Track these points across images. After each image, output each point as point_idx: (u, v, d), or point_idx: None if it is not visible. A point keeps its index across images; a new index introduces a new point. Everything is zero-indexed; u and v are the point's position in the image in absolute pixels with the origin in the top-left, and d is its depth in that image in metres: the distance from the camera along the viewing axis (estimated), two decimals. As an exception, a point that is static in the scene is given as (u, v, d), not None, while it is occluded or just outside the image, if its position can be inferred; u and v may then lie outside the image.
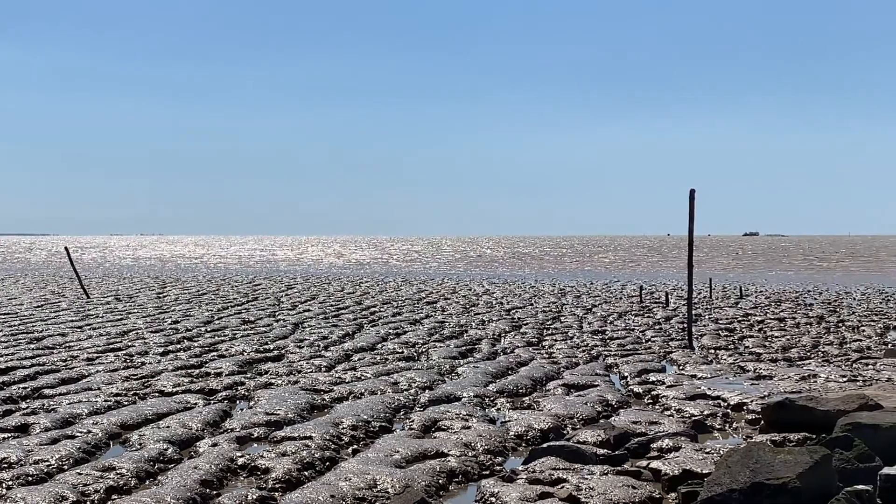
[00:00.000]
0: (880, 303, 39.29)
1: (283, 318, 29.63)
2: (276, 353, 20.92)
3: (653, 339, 24.71)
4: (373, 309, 34.03)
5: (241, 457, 11.08)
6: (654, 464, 10.55)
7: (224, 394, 15.58)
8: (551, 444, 11.47)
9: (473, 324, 28.43)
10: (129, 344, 22.34)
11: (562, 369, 18.89)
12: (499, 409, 14.69)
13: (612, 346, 22.85)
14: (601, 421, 13.53)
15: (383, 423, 13.37)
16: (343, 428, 12.80)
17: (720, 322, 29.69)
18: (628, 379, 17.82)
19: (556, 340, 24.20)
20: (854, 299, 41.68)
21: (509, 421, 13.55)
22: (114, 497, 9.67)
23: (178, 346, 22.16)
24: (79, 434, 12.31)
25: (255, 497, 9.51)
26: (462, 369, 18.51)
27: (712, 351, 22.10)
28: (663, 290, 46.16)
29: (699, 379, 17.33)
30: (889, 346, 22.98)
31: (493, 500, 9.40)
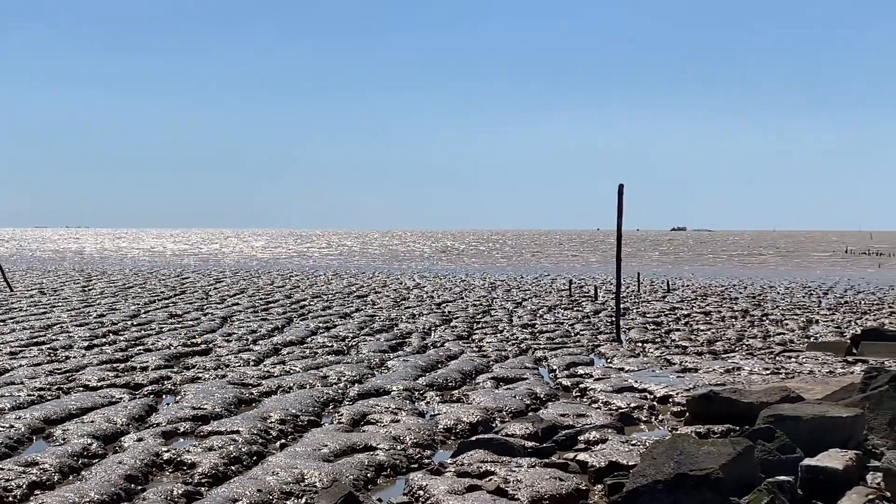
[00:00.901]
0: (803, 297, 40.00)
1: (212, 312, 29.36)
2: (203, 346, 20.72)
3: (581, 332, 24.91)
4: (302, 303, 33.86)
5: (166, 451, 10.95)
6: (581, 456, 10.64)
7: (150, 388, 15.40)
8: (480, 437, 11.51)
9: (404, 317, 28.42)
10: (54, 338, 21.97)
11: (491, 363, 18.96)
12: (428, 403, 14.71)
13: (541, 340, 22.99)
14: (530, 414, 13.61)
15: (312, 417, 13.31)
16: (271, 422, 12.72)
17: (648, 315, 30.02)
18: (557, 372, 17.93)
19: (486, 334, 24.28)
20: (778, 293, 42.39)
21: (438, 414, 13.57)
22: (36, 492, 9.50)
23: (104, 339, 21.85)
24: (1, 429, 12.08)
25: (180, 492, 9.41)
26: (392, 363, 18.50)
27: (639, 344, 22.34)
28: (592, 284, 46.55)
29: (626, 372, 17.51)
30: (811, 339, 23.42)
31: (421, 493, 9.40)
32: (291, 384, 15.73)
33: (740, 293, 42.28)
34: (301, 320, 27.08)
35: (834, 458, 8.57)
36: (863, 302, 37.31)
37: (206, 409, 13.52)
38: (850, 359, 18.73)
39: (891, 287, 48.12)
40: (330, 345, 21.32)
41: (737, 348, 21.51)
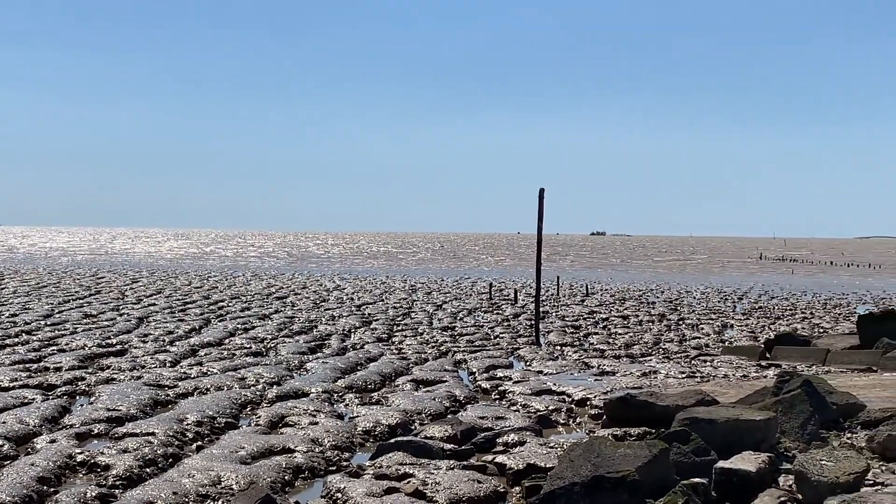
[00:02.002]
0: (719, 302, 40.66)
1: (128, 313, 28.92)
2: (119, 347, 20.40)
3: (501, 335, 25.02)
4: (221, 304, 33.52)
5: (80, 453, 10.75)
6: (500, 458, 10.67)
7: (64, 389, 15.10)
8: (399, 439, 11.48)
9: (323, 319, 28.29)
10: (-37, 337, 21.44)
11: (411, 365, 18.95)
12: (347, 405, 14.64)
13: (461, 343, 23.04)
14: (449, 416, 13.62)
15: (229, 419, 13.17)
16: (187, 424, 12.56)
17: (567, 319, 30.26)
18: (476, 374, 17.98)
19: (406, 336, 24.27)
20: (694, 298, 43.03)
21: (357, 416, 13.51)
22: (-57, 496, 9.26)
23: (16, 339, 21.39)
24: None
25: (94, 494, 9.24)
26: (311, 365, 18.39)
27: (558, 347, 22.51)
28: (512, 287, 46.78)
29: (545, 375, 17.61)
30: (726, 343, 23.81)
31: (339, 495, 9.35)
32: (208, 386, 15.55)
33: (658, 297, 42.82)
34: (219, 321, 26.81)
35: (747, 461, 8.70)
36: (776, 307, 38.05)
37: (120, 410, 13.30)
38: (763, 363, 19.06)
39: (803, 293, 49.15)
40: (248, 346, 21.13)
41: (654, 352, 21.78)
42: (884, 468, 9.09)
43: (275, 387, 15.79)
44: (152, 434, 11.73)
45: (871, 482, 8.48)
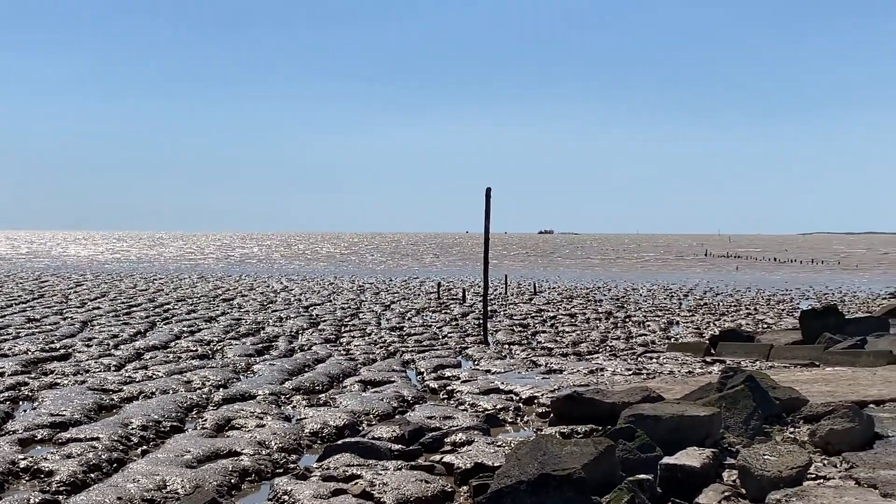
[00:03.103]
0: (665, 299, 41.01)
1: (71, 316, 28.56)
2: (62, 351, 20.15)
3: (449, 334, 25.04)
4: (166, 306, 33.22)
5: (23, 459, 10.60)
6: (448, 458, 10.67)
7: (6, 395, 14.86)
8: (346, 440, 11.45)
9: (271, 321, 28.14)
10: None
11: (359, 366, 18.90)
12: (295, 407, 14.57)
13: (409, 343, 23.03)
14: (397, 416, 13.60)
15: (175, 423, 13.06)
16: (132, 428, 12.43)
17: (515, 318, 30.35)
18: (425, 374, 17.98)
19: (354, 337, 24.21)
20: (641, 295, 43.36)
21: (305, 418, 13.45)
22: None
23: (-43, 345, 21.05)
24: None
25: (37, 500, 9.12)
26: (258, 367, 18.28)
27: (506, 346, 22.57)
28: (461, 286, 46.85)
29: (493, 374, 17.65)
30: (672, 340, 24.02)
31: (286, 498, 9.31)
32: (154, 389, 15.40)
33: (605, 295, 43.10)
34: (165, 324, 26.57)
35: (692, 457, 8.78)
36: (721, 303, 38.46)
37: (64, 415, 13.13)
38: (708, 359, 19.26)
39: (747, 289, 49.72)
40: (194, 349, 20.97)
41: (601, 349, 21.91)
42: (825, 462, 9.22)
43: (221, 389, 15.68)
44: (97, 439, 11.60)
45: (813, 476, 8.60)
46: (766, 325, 28.27)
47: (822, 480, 8.48)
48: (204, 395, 15.11)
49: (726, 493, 8.21)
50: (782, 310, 35.37)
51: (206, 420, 13.15)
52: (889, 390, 13.00)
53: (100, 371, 17.55)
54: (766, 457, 8.42)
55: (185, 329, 25.11)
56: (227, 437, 12.14)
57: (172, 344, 21.95)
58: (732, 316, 32.20)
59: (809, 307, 25.37)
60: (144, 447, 11.68)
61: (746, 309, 35.60)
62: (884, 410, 11.54)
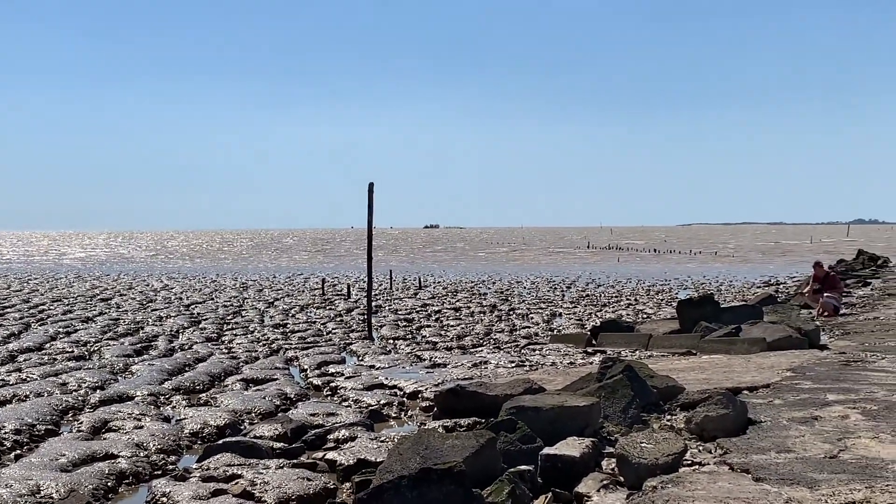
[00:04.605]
0: (548, 291, 41.49)
1: (-59, 319, 27.60)
2: (-70, 356, 19.45)
3: (334, 331, 24.91)
4: (42, 307, 32.35)
5: None
6: (330, 455, 10.60)
7: None
8: (227, 440, 11.28)
9: (150, 320, 27.62)
10: None
11: (241, 364, 18.67)
12: (174, 407, 14.31)
13: (293, 340, 22.84)
14: (279, 415, 13.46)
15: (49, 426, 12.70)
16: (5, 432, 12.05)
17: (399, 313, 30.35)
18: (308, 371, 17.85)
19: (236, 335, 23.92)
20: (525, 288, 43.79)
21: (185, 419, 13.22)
22: None
23: None
24: None
25: None
26: (136, 367, 17.91)
27: (391, 341, 22.55)
28: (345, 282, 46.68)
29: (377, 369, 17.61)
30: (554, 332, 24.29)
31: (164, 500, 9.12)
32: (28, 392, 14.96)
33: (489, 289, 43.41)
34: (40, 325, 25.86)
35: (571, 446, 8.87)
36: (602, 295, 39.06)
37: (-69, 422, 12.66)
38: (589, 350, 19.51)
39: (628, 280, 50.62)
40: (70, 350, 20.46)
41: (485, 342, 22.04)
42: (701, 448, 9.40)
43: (98, 391, 15.31)
44: (-34, 445, 11.22)
45: (689, 462, 8.76)
46: (645, 315, 28.79)
47: (697, 466, 8.64)
48: (80, 398, 14.73)
49: (605, 482, 8.31)
50: (661, 300, 36.09)
51: (82, 423, 12.82)
52: (762, 377, 13.34)
53: (-30, 375, 16.97)
54: (643, 444, 8.55)
55: (60, 330, 24.48)
56: (104, 439, 11.85)
57: (48, 345, 21.37)
58: (613, 307, 32.73)
59: (687, 297, 25.92)
60: (17, 451, 11.34)
61: (627, 300, 36.22)
62: (757, 396, 11.82)
